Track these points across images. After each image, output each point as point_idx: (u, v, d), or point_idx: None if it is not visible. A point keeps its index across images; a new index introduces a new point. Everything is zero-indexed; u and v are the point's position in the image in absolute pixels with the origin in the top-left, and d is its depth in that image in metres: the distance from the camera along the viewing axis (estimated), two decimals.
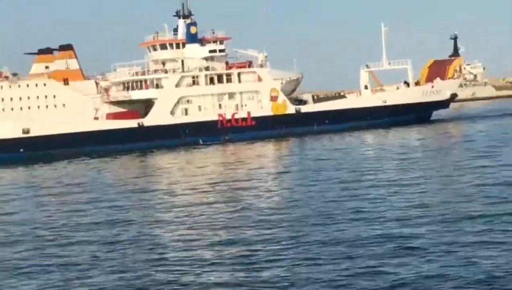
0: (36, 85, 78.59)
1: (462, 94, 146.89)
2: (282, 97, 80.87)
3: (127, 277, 17.42)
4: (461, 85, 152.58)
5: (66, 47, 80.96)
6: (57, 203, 35.36)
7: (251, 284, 15.77)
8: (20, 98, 76.24)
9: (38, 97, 77.10)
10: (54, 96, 77.79)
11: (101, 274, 17.95)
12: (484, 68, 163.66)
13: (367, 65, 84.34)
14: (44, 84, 78.86)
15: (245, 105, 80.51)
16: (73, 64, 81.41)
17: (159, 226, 25.47)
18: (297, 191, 32.59)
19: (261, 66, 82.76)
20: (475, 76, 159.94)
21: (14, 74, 78.83)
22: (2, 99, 75.96)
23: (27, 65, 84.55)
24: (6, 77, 77.92)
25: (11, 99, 76.19)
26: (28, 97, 76.50)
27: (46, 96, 77.31)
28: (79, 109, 76.95)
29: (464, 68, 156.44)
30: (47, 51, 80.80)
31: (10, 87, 77.21)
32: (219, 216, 26.64)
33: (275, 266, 17.45)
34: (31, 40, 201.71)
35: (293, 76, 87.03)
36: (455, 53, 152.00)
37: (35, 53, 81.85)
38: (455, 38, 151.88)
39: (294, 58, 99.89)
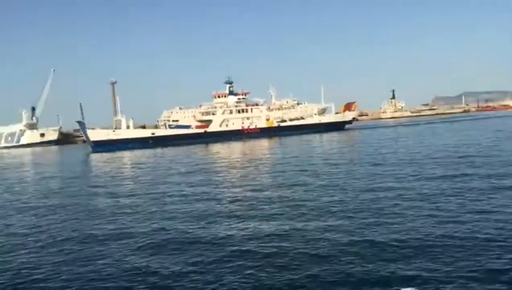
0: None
1: (395, 114, 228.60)
2: (271, 118, 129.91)
3: None
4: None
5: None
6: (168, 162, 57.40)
7: None
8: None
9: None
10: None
11: None
12: (405, 103, 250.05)
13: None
14: None
15: (255, 122, 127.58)
16: None
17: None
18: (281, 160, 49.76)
19: (262, 104, 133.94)
20: (402, 106, 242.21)
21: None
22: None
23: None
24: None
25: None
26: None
27: None
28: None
29: (397, 103, 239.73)
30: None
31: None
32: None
33: None
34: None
35: (324, 106, 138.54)
36: (393, 97, 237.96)
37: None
38: (393, 91, 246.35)
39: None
